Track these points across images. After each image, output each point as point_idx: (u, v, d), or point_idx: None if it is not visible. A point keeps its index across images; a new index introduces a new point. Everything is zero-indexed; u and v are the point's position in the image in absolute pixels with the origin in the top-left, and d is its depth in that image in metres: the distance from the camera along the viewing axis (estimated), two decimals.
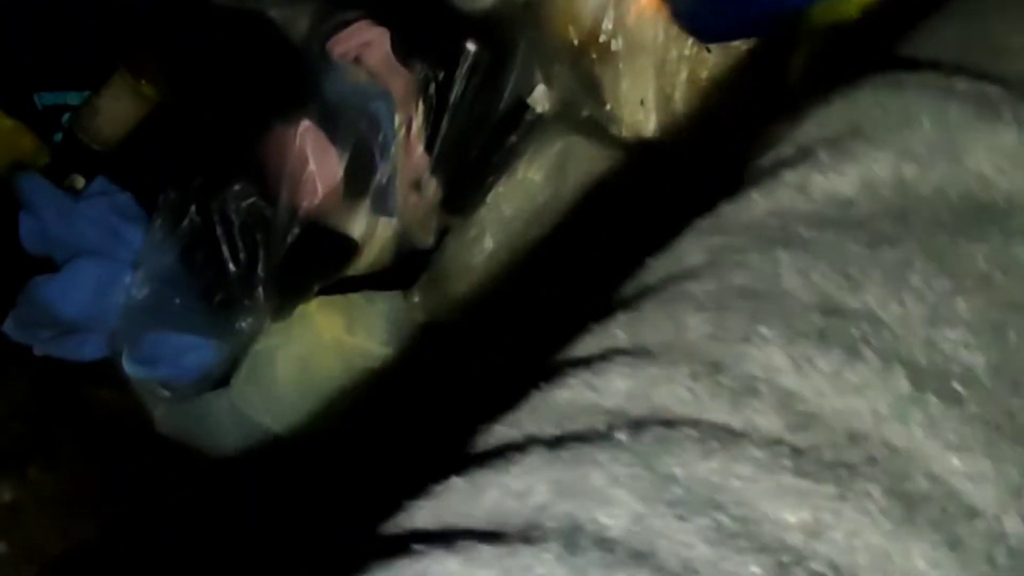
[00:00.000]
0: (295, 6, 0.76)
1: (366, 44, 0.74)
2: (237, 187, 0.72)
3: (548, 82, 0.79)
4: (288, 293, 0.76)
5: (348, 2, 0.76)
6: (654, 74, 0.79)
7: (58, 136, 0.84)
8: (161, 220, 0.73)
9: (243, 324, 0.74)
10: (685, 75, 0.78)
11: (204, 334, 0.73)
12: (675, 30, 0.76)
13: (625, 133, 0.82)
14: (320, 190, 0.72)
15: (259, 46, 0.75)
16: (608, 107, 0.81)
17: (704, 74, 0.78)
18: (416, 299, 0.85)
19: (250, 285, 0.73)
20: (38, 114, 0.83)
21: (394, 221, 0.78)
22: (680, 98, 0.79)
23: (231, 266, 0.72)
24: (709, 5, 0.64)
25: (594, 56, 0.79)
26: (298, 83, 0.74)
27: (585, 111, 0.82)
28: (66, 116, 0.83)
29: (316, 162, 0.72)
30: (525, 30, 0.79)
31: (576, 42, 0.78)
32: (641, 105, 0.80)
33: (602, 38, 0.79)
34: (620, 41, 0.78)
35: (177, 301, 0.72)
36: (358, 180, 0.74)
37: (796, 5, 0.62)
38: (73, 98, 0.82)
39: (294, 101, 0.74)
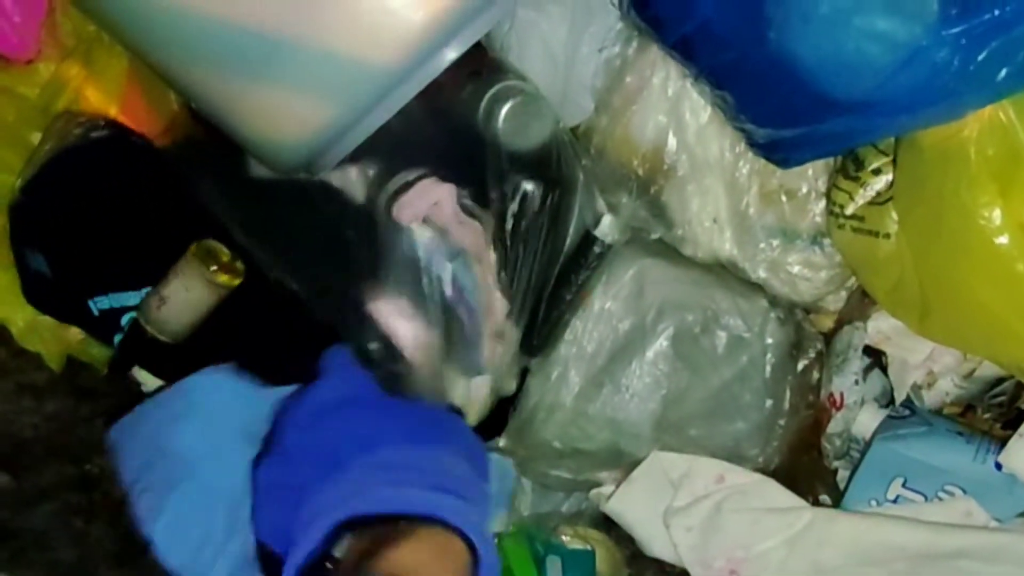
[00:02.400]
0: (352, 171, 0.74)
1: (434, 203, 0.72)
2: None
3: (614, 211, 0.78)
4: None
5: (405, 160, 0.74)
6: (724, 191, 0.78)
7: (118, 337, 0.82)
8: None
9: None
10: (756, 188, 0.77)
11: None
12: (741, 144, 0.75)
13: (700, 254, 0.80)
14: (413, 362, 0.70)
15: (327, 217, 0.73)
16: (679, 230, 0.80)
17: (776, 183, 0.77)
18: (507, 445, 0.83)
19: None
20: (95, 320, 0.81)
21: (488, 377, 0.76)
22: (755, 212, 0.78)
23: None
24: (783, 131, 0.63)
25: (661, 181, 0.78)
26: (371, 252, 0.72)
27: (655, 235, 0.81)
28: (126, 318, 0.81)
29: (404, 334, 0.70)
30: (583, 162, 0.77)
31: (641, 172, 0.77)
32: (714, 223, 0.79)
33: (666, 162, 0.77)
34: (685, 162, 0.77)
35: None
36: (449, 345, 0.72)
37: (881, 132, 0.61)
38: (131, 299, 0.80)
39: (369, 271, 0.71)
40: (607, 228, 0.79)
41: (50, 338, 0.91)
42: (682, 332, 0.79)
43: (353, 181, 0.75)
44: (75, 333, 0.91)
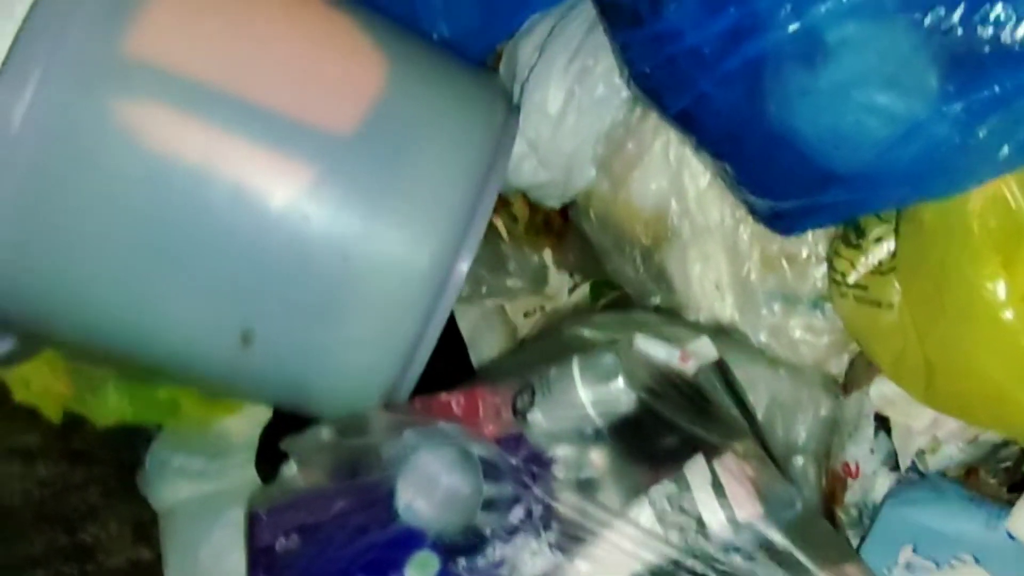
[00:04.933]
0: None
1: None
2: None
3: (620, 278, 0.78)
4: None
5: None
6: (726, 256, 0.78)
7: None
8: None
9: None
10: (758, 253, 0.77)
11: None
12: (742, 210, 0.75)
13: (702, 319, 0.80)
14: None
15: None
16: (680, 295, 0.79)
17: (776, 248, 0.77)
18: None
19: None
20: None
21: None
22: (756, 277, 0.77)
23: None
24: (784, 202, 0.63)
25: (663, 247, 0.78)
26: None
27: (656, 300, 0.80)
28: None
29: None
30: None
31: (644, 239, 0.77)
32: (716, 289, 0.79)
33: (668, 228, 0.77)
34: (687, 228, 0.77)
35: None
36: None
37: (882, 204, 0.60)
38: None
39: None
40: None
41: (45, 391, 0.90)
42: None
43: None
44: (69, 384, 0.90)
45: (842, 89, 0.53)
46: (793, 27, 0.51)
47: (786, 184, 0.60)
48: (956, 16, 0.48)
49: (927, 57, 0.50)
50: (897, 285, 0.64)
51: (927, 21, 0.49)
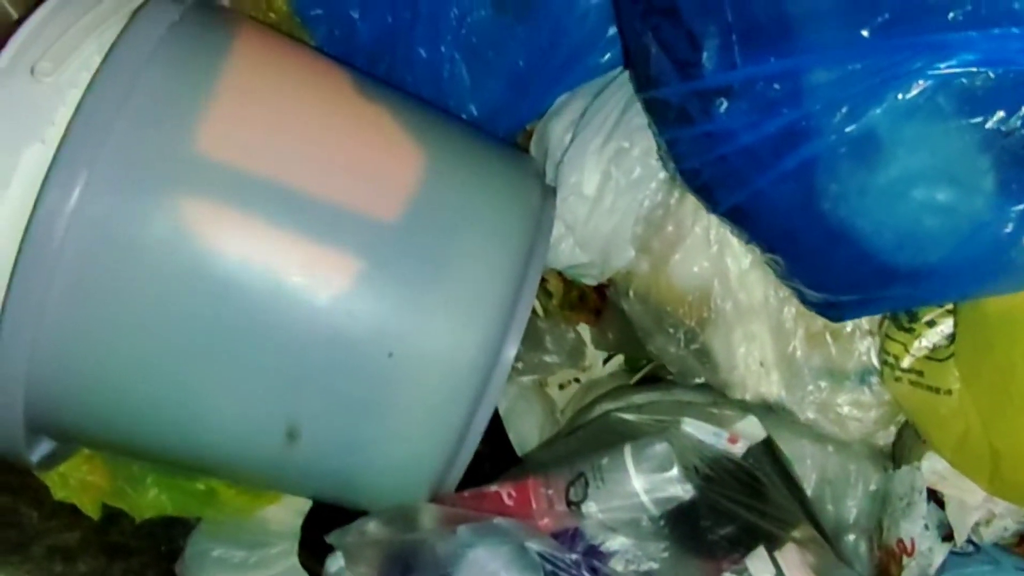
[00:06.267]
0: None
1: None
2: None
3: (663, 357, 0.77)
4: None
5: None
6: (770, 335, 0.77)
7: None
8: None
9: None
10: (803, 331, 0.76)
11: None
12: (785, 289, 0.74)
13: (748, 397, 0.79)
14: None
15: None
16: (725, 374, 0.78)
17: (821, 324, 0.76)
18: None
19: None
20: None
21: None
22: (801, 355, 0.77)
23: None
24: (839, 296, 0.62)
25: (707, 327, 0.77)
26: None
27: (699, 379, 0.80)
28: None
29: None
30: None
31: (687, 320, 0.76)
32: (761, 367, 0.78)
33: (712, 308, 0.77)
34: (730, 308, 0.77)
35: None
36: None
37: (943, 299, 0.60)
38: None
39: None
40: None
41: (83, 486, 0.90)
42: None
43: None
44: (107, 478, 0.89)
45: (901, 187, 0.52)
46: (850, 129, 0.51)
47: (843, 279, 0.59)
48: (1018, 119, 0.48)
49: (988, 157, 0.50)
50: (955, 371, 0.63)
51: (988, 124, 0.49)
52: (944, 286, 0.55)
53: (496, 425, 0.95)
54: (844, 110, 0.51)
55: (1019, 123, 0.48)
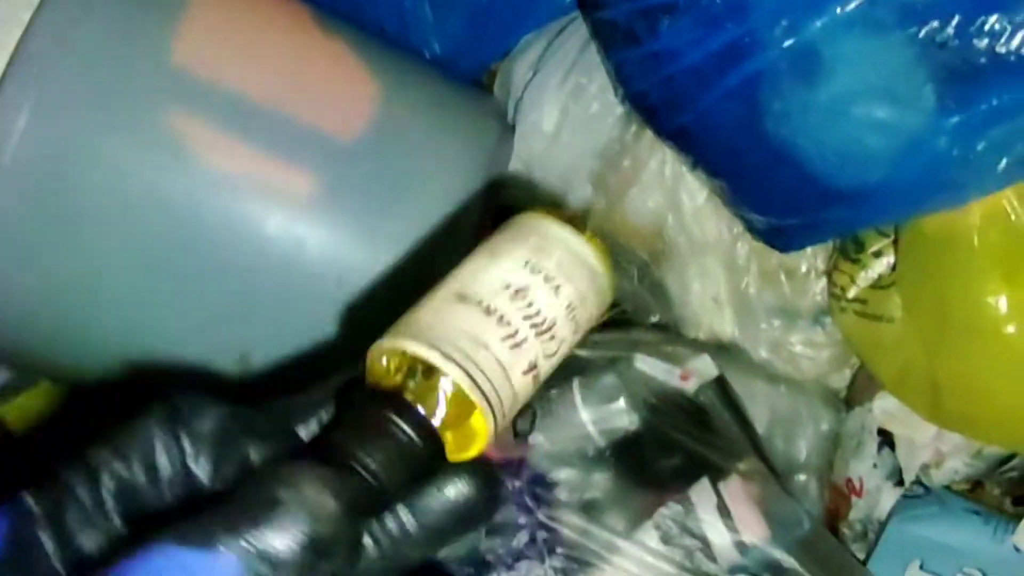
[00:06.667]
0: None
1: None
2: None
3: (618, 294, 0.77)
4: None
5: None
6: (724, 271, 0.77)
7: None
8: None
9: None
10: (756, 268, 0.77)
11: None
12: (739, 226, 0.74)
13: (702, 335, 0.79)
14: None
15: None
16: (679, 311, 0.79)
17: (775, 262, 0.76)
18: None
19: None
20: None
21: None
22: (755, 292, 0.77)
23: None
24: (783, 220, 0.62)
25: (661, 263, 0.77)
26: None
27: (655, 317, 0.80)
28: None
29: None
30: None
31: (643, 255, 0.77)
32: (715, 304, 0.78)
33: (665, 244, 0.77)
34: (684, 243, 0.77)
35: None
36: None
37: (882, 219, 0.60)
38: None
39: None
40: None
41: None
42: None
43: None
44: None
45: (841, 104, 0.52)
46: (789, 43, 0.51)
47: (787, 201, 0.59)
48: (951, 28, 0.48)
49: (925, 71, 0.50)
50: (898, 299, 0.63)
51: (923, 34, 0.49)
52: (884, 205, 0.56)
53: None
54: (784, 23, 0.51)
55: (953, 32, 0.48)
